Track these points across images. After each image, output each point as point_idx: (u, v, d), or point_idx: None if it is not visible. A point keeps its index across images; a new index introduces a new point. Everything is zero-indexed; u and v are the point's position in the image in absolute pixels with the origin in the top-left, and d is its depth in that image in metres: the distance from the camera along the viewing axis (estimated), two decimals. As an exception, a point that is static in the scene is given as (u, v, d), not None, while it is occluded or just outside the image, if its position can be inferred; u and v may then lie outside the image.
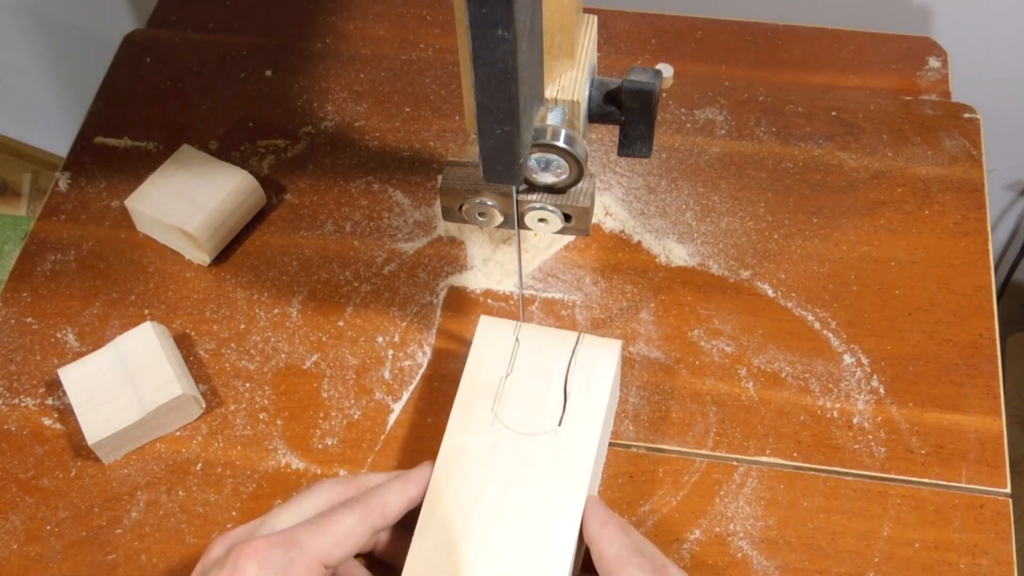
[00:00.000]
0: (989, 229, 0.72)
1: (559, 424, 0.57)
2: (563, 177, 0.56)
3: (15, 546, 0.61)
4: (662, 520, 0.61)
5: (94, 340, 0.68)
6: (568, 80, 0.55)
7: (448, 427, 0.57)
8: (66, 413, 0.65)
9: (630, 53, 0.83)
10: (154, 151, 0.78)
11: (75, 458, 0.64)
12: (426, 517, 0.54)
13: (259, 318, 0.69)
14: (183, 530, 0.61)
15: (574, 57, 0.55)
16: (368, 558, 0.58)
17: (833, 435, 0.63)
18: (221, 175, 0.72)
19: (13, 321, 0.70)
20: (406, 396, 0.66)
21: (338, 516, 0.51)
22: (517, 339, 0.60)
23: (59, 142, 1.38)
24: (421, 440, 0.64)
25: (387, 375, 0.67)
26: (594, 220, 0.70)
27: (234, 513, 0.62)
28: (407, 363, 0.67)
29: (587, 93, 0.57)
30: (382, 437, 0.64)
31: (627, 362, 0.66)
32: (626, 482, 0.62)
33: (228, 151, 0.77)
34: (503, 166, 0.49)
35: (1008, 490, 0.61)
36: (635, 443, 0.63)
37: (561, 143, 0.54)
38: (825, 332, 0.68)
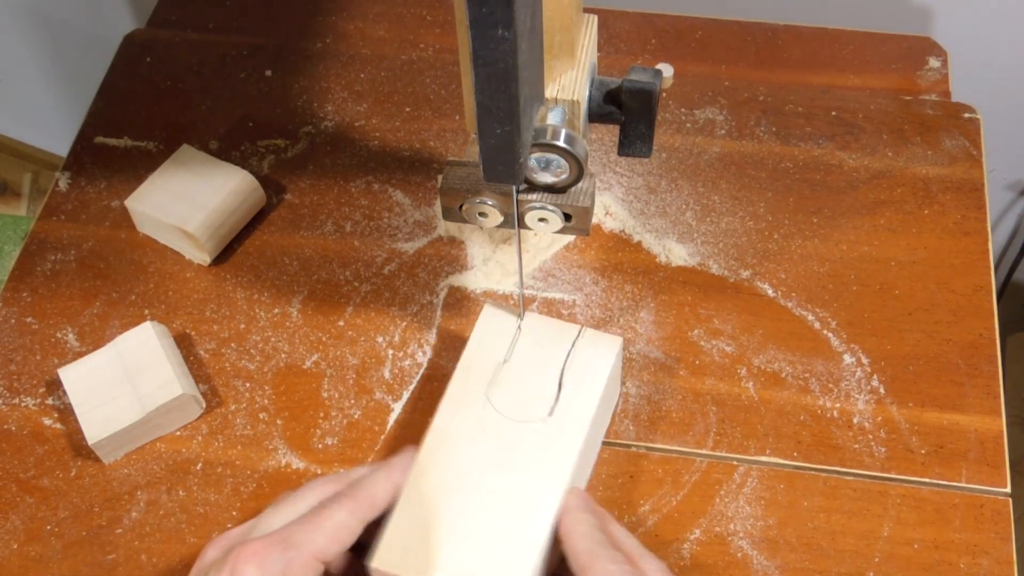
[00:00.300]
0: (989, 229, 0.72)
1: (550, 414, 0.57)
2: (563, 177, 0.56)
3: (15, 546, 0.61)
4: (662, 520, 0.61)
5: (94, 340, 0.68)
6: (568, 80, 0.55)
7: (440, 406, 0.57)
8: (66, 413, 0.65)
9: (630, 53, 0.83)
10: (154, 151, 0.78)
11: (75, 458, 0.64)
12: (408, 493, 0.54)
13: (259, 318, 0.69)
14: (183, 530, 0.61)
15: (574, 57, 0.55)
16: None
17: (833, 435, 0.63)
18: (221, 175, 0.72)
19: (13, 321, 0.70)
20: (406, 396, 0.66)
21: (329, 512, 0.52)
22: (519, 327, 0.60)
23: (59, 142, 1.38)
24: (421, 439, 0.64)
25: (387, 375, 0.67)
26: (594, 220, 0.70)
27: (234, 513, 0.62)
28: (407, 363, 0.67)
29: (587, 93, 0.57)
30: (382, 437, 0.64)
31: (627, 362, 0.66)
32: (626, 482, 0.62)
33: (228, 151, 0.77)
34: (503, 166, 0.49)
35: (1008, 490, 0.61)
36: (635, 443, 0.63)
37: (561, 143, 0.54)
38: (825, 332, 0.67)
